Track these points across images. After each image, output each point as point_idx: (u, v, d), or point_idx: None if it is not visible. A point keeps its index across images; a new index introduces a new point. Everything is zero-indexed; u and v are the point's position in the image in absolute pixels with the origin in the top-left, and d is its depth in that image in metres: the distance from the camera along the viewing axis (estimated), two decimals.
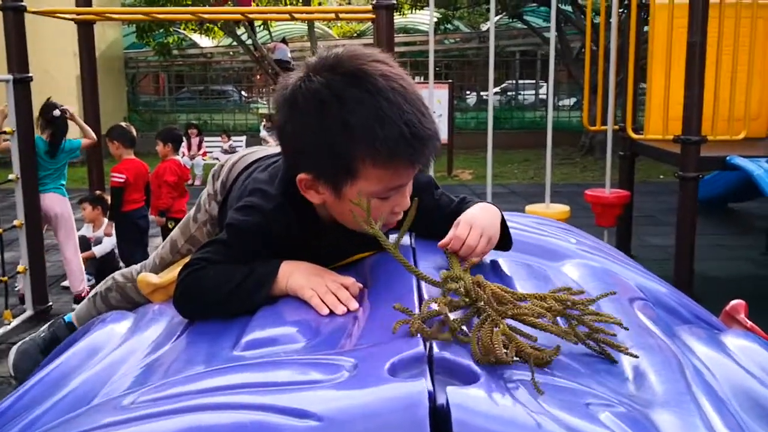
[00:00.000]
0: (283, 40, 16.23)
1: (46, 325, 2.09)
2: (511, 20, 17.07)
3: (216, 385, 0.89)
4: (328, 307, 1.23)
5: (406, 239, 1.74)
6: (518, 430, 0.75)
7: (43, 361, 1.67)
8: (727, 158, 5.12)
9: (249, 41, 15.59)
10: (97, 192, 6.48)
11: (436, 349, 0.90)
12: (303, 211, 1.40)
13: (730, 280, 6.22)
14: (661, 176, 12.43)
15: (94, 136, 6.10)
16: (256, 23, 16.04)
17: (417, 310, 1.16)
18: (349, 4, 18.61)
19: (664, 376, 1.00)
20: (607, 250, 1.91)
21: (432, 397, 0.80)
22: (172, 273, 1.72)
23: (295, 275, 1.31)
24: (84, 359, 1.33)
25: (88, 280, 6.32)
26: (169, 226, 6.40)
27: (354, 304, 1.24)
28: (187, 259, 1.78)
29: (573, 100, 19.00)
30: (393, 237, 1.30)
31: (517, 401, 0.79)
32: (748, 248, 7.33)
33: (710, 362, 1.19)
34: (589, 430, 0.76)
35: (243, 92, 22.15)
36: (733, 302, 1.74)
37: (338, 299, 1.25)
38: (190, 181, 10.32)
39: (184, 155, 12.98)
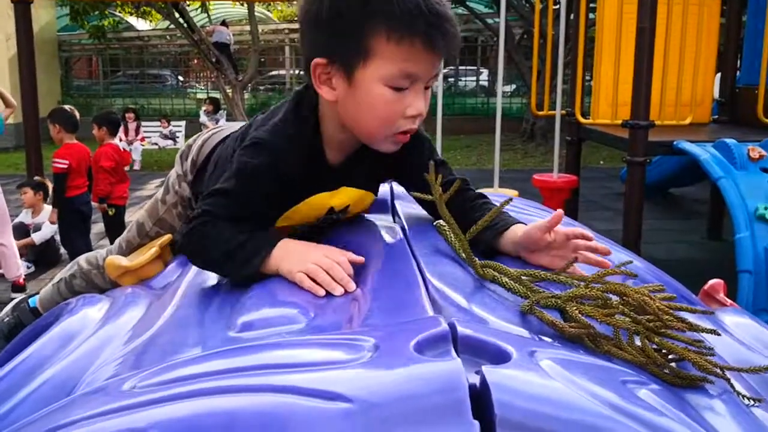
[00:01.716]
0: (223, 23, 15.92)
1: (8, 308, 1.99)
2: (453, 5, 17.09)
3: (229, 366, 0.83)
4: (323, 287, 1.18)
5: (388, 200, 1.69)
6: (563, 410, 0.71)
7: (6, 348, 1.58)
8: (675, 143, 5.19)
9: (186, 24, 15.28)
10: (38, 178, 6.27)
11: (459, 327, 0.85)
12: (312, 142, 1.38)
13: (675, 263, 6.33)
14: (602, 162, 12.62)
15: (14, 102, 5.87)
16: (194, 5, 15.74)
17: (421, 287, 1.12)
18: None
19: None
20: (584, 229, 1.89)
21: None
22: (142, 256, 1.65)
23: (286, 260, 1.25)
24: (58, 347, 1.24)
25: (27, 268, 6.12)
26: (110, 213, 6.23)
27: (351, 285, 1.18)
28: (158, 241, 1.72)
29: (513, 86, 19.13)
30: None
31: (555, 380, 0.75)
32: (689, 232, 7.48)
33: (712, 340, 1.18)
34: (637, 410, 0.73)
35: (180, 77, 21.72)
36: (712, 281, 1.75)
37: (333, 279, 1.19)
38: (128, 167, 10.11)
39: (121, 140, 12.65)
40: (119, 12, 18.01)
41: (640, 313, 0.99)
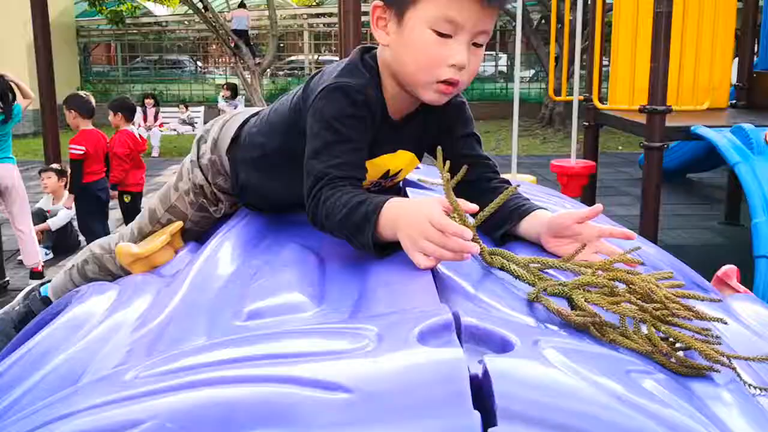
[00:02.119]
0: (242, 4, 15.86)
1: (20, 297, 2.00)
2: None
3: (231, 357, 0.83)
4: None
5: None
6: (565, 400, 0.70)
7: (16, 337, 1.59)
8: (692, 128, 5.13)
9: (205, 9, 15.29)
10: (57, 165, 6.30)
11: (462, 316, 0.85)
12: (377, 88, 1.41)
13: (691, 249, 6.29)
14: (620, 147, 12.54)
15: (32, 94, 5.90)
16: None
17: (429, 274, 1.12)
18: None
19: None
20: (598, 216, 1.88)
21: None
22: (153, 243, 1.66)
23: (398, 230, 1.19)
24: (66, 335, 1.25)
25: (45, 254, 6.17)
26: (125, 199, 6.26)
27: (473, 249, 1.11)
28: (169, 228, 1.72)
29: (531, 71, 19.02)
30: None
31: (558, 370, 0.75)
32: (706, 218, 7.43)
33: (723, 328, 1.17)
34: (640, 400, 0.72)
35: (198, 62, 21.76)
36: (725, 268, 1.73)
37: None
38: (146, 153, 10.15)
39: (140, 126, 12.73)
40: None
41: (647, 301, 0.99)
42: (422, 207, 1.17)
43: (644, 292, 0.99)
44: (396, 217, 1.20)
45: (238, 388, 0.76)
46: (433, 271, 1.13)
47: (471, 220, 1.23)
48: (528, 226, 1.39)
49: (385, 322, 0.87)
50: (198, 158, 1.72)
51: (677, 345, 0.95)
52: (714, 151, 5.06)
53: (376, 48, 1.45)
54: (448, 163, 1.25)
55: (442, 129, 1.52)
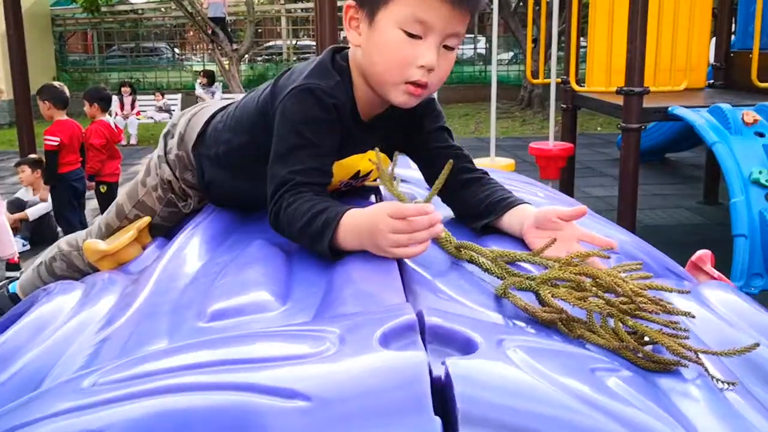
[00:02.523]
0: None
1: None
2: None
3: (188, 363, 0.81)
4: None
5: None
6: (526, 402, 0.69)
7: None
8: (669, 109, 5.15)
9: None
10: (34, 155, 6.23)
11: (426, 316, 0.83)
12: (348, 89, 1.40)
13: (670, 228, 6.32)
14: (599, 128, 12.57)
15: (1, 88, 5.83)
16: None
17: (396, 271, 1.10)
18: None
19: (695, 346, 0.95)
20: (569, 201, 1.88)
21: (428, 369, 0.74)
22: (120, 240, 1.63)
23: (356, 233, 1.20)
24: (30, 335, 1.23)
25: (23, 246, 6.11)
26: (101, 190, 6.21)
27: (437, 229, 1.14)
28: (137, 224, 1.70)
29: (510, 54, 19.00)
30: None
31: (521, 370, 0.73)
32: (685, 197, 7.47)
33: (693, 318, 1.16)
34: (603, 399, 0.71)
35: (176, 49, 21.57)
36: (699, 252, 1.72)
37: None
38: (123, 142, 10.06)
39: (117, 115, 12.62)
40: None
41: (614, 294, 0.97)
42: (376, 210, 1.18)
43: (610, 287, 0.97)
44: (358, 226, 1.20)
45: (195, 396, 0.74)
46: (400, 267, 1.12)
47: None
48: (511, 219, 1.38)
49: (347, 324, 0.85)
50: (165, 153, 1.70)
51: (645, 339, 0.93)
52: (692, 130, 5.08)
53: (348, 48, 1.44)
54: (389, 160, 1.25)
55: (413, 126, 1.51)
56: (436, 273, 1.13)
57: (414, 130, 1.51)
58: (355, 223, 1.20)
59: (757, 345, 0.93)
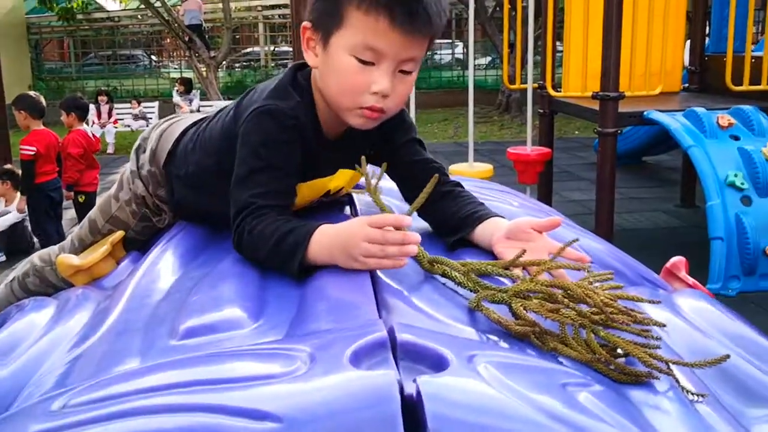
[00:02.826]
0: None
1: None
2: None
3: (158, 384, 0.80)
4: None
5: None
6: (496, 420, 0.69)
7: None
8: (645, 113, 5.19)
9: (158, 3, 15.06)
10: (6, 166, 6.17)
11: (398, 332, 0.83)
12: (310, 108, 1.40)
13: (648, 232, 6.36)
14: (576, 132, 12.64)
15: None
16: None
17: (369, 286, 1.10)
18: None
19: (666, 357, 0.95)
20: (547, 212, 1.88)
21: (400, 387, 0.73)
22: (93, 254, 1.62)
23: (327, 249, 1.20)
24: (2, 354, 1.21)
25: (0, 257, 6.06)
26: (79, 199, 6.16)
27: (410, 250, 1.14)
28: (110, 238, 1.68)
29: (488, 58, 19.08)
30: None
31: (492, 387, 0.73)
32: (662, 200, 7.52)
33: (668, 326, 1.17)
34: (573, 415, 0.71)
35: (153, 56, 21.47)
36: (674, 259, 1.73)
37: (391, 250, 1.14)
38: (101, 151, 9.98)
39: (94, 123, 12.53)
40: None
41: (586, 306, 0.98)
42: (354, 222, 1.18)
43: (581, 298, 0.98)
44: (330, 240, 1.20)
45: (166, 418, 0.73)
46: (374, 281, 1.11)
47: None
48: (482, 231, 1.37)
49: (319, 342, 0.85)
50: (138, 169, 1.68)
51: (617, 350, 0.94)
52: (668, 134, 5.12)
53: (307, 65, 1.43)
54: (370, 168, 1.25)
55: (384, 140, 1.49)
56: (409, 287, 1.13)
57: (385, 144, 1.50)
58: (327, 238, 1.20)
59: (728, 356, 0.93)
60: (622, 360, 0.93)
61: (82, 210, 6.14)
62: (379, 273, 1.16)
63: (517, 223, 1.32)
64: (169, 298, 1.22)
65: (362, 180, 1.76)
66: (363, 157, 1.30)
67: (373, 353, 0.80)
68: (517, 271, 1.15)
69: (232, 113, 1.45)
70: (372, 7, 1.23)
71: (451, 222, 1.41)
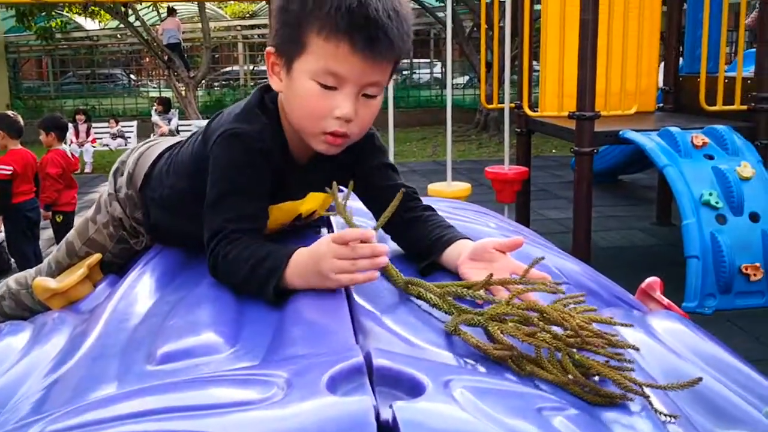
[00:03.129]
0: (171, 11, 15.46)
1: None
2: None
3: (135, 411, 0.80)
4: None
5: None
6: None
7: None
8: (620, 132, 5.25)
9: (137, 23, 15.05)
10: None
11: (374, 358, 0.84)
12: (277, 131, 1.40)
13: (625, 250, 6.41)
14: (554, 150, 12.73)
15: None
16: (146, 4, 15.49)
17: (346, 310, 1.11)
18: None
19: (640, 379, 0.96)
20: (522, 232, 1.90)
21: (376, 412, 0.74)
22: (70, 277, 1.61)
23: (302, 273, 1.22)
24: None
25: None
26: (57, 219, 6.11)
27: (381, 261, 1.18)
28: (87, 261, 1.68)
29: (466, 78, 19.22)
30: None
31: (468, 412, 0.74)
32: (639, 218, 7.58)
33: (642, 348, 1.18)
34: None
35: (132, 76, 21.43)
36: (649, 280, 1.75)
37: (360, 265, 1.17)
38: (79, 170, 9.92)
39: (72, 143, 12.47)
40: (66, 12, 17.65)
41: (561, 328, 0.99)
42: (321, 241, 1.21)
43: (557, 321, 0.99)
44: (304, 264, 1.21)
45: None
46: (350, 304, 1.12)
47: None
48: (449, 254, 1.38)
49: (295, 367, 0.86)
50: (115, 191, 1.68)
51: (592, 372, 0.95)
52: (643, 153, 5.18)
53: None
54: (338, 188, 1.29)
55: (355, 164, 1.50)
56: (385, 310, 1.14)
57: (357, 167, 1.50)
58: (301, 262, 1.22)
59: (700, 379, 0.95)
60: (596, 381, 0.94)
61: (59, 230, 6.09)
62: (354, 296, 1.17)
63: (480, 244, 1.33)
64: (146, 322, 1.21)
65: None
66: (334, 182, 1.31)
67: (349, 379, 0.81)
68: (481, 293, 1.17)
69: (202, 136, 1.46)
70: (332, 33, 1.23)
71: (421, 246, 1.42)
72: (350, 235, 1.17)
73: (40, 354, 1.26)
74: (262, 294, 1.23)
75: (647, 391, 0.93)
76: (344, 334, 1.01)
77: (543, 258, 1.21)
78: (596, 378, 0.96)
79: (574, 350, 0.97)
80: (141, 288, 1.39)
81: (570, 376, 0.93)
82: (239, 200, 1.34)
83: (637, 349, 1.02)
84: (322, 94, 1.28)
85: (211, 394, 0.82)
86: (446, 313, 1.12)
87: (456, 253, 1.36)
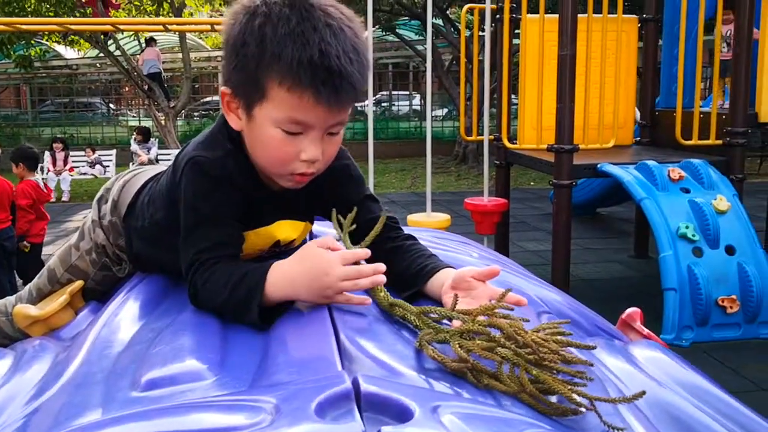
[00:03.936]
0: (150, 40, 15.46)
1: None
2: (384, 33, 17.29)
3: None
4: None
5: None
6: None
7: None
8: (599, 166, 5.32)
9: (117, 52, 15.05)
10: None
11: (362, 384, 0.84)
12: (243, 157, 1.38)
13: (603, 282, 6.45)
14: (532, 183, 12.84)
15: None
16: (126, 33, 15.52)
17: (331, 335, 1.11)
18: (221, 15, 18.28)
19: (590, 394, 0.98)
20: (505, 262, 1.91)
21: None
22: (52, 305, 1.61)
23: (288, 284, 1.23)
24: None
25: None
26: (25, 249, 6.05)
27: (379, 279, 1.22)
28: (69, 288, 1.67)
29: (445, 110, 19.39)
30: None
31: None
32: (617, 251, 7.64)
33: (623, 376, 1.20)
34: None
35: (111, 104, 21.40)
36: (629, 310, 1.77)
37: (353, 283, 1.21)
38: (53, 200, 9.88)
39: (49, 171, 12.41)
40: (46, 41, 17.63)
41: (521, 346, 1.03)
42: (322, 259, 1.22)
43: (512, 337, 1.03)
44: (291, 277, 1.23)
45: None
46: (335, 329, 1.13)
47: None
48: (433, 284, 1.39)
49: (283, 393, 0.86)
50: (99, 218, 1.68)
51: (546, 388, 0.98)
52: (621, 186, 5.24)
53: None
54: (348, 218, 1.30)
55: (332, 195, 1.49)
56: (369, 334, 1.14)
57: (335, 198, 1.49)
58: (286, 274, 1.23)
59: (644, 393, 0.98)
60: (553, 398, 0.98)
61: (26, 261, 6.03)
62: (338, 319, 1.18)
63: (460, 274, 1.34)
64: (130, 349, 1.21)
65: (315, 230, 1.79)
66: (333, 210, 1.33)
67: (337, 405, 0.81)
68: (456, 323, 1.18)
69: (172, 166, 1.46)
70: (295, 86, 1.22)
71: (405, 276, 1.43)
72: (360, 254, 1.21)
73: (20, 381, 1.24)
74: (247, 314, 1.23)
75: (624, 411, 0.95)
76: (330, 359, 1.01)
77: (510, 290, 1.23)
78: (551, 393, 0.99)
79: (532, 366, 1.00)
80: (124, 315, 1.38)
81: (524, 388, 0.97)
82: (209, 229, 1.34)
83: (591, 365, 1.06)
84: (287, 140, 1.28)
85: (199, 420, 0.82)
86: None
87: (439, 283, 1.37)
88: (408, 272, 1.42)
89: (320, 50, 1.20)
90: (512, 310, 1.13)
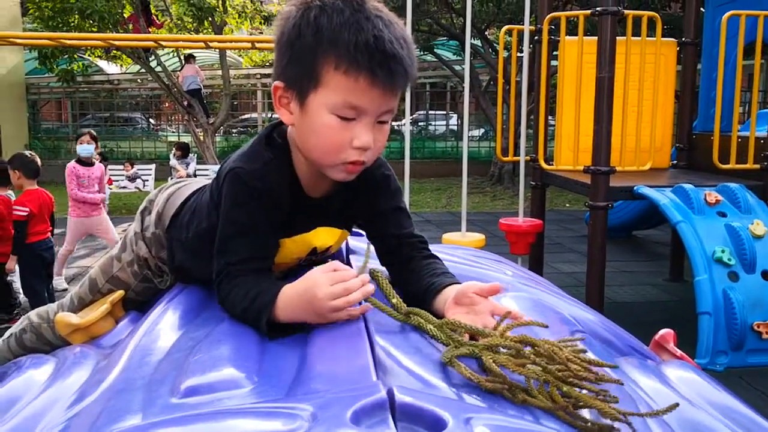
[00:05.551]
0: (189, 57, 15.66)
1: None
2: (422, 53, 17.39)
3: None
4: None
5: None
6: None
7: None
8: (635, 188, 5.28)
9: (158, 68, 15.29)
10: None
11: (397, 394, 0.86)
12: (285, 166, 1.43)
13: (637, 305, 6.38)
14: (567, 204, 12.76)
15: None
16: (167, 50, 15.75)
17: (366, 347, 1.13)
18: (261, 33, 18.50)
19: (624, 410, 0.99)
20: (540, 281, 1.92)
21: None
22: (92, 314, 1.64)
23: (297, 312, 1.28)
24: (0, 411, 1.23)
25: None
26: None
27: (368, 289, 1.26)
28: (110, 297, 1.70)
29: (481, 130, 19.38)
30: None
31: None
32: (652, 274, 7.56)
33: (655, 395, 1.20)
34: None
35: (151, 120, 21.71)
36: (662, 331, 1.77)
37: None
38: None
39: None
40: (88, 56, 17.97)
41: (550, 363, 1.04)
42: (311, 282, 1.26)
43: (548, 354, 1.03)
44: (292, 302, 1.28)
45: None
46: (370, 340, 1.15)
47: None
48: (439, 301, 1.41)
49: (319, 401, 0.88)
50: (142, 230, 1.71)
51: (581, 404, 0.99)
52: (657, 209, 5.20)
53: (282, 122, 1.46)
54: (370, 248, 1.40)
55: (369, 204, 1.53)
56: (405, 348, 1.16)
57: (369, 208, 1.53)
58: (290, 300, 1.28)
59: (677, 405, 0.99)
60: (586, 414, 0.99)
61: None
62: (373, 331, 1.20)
63: (462, 290, 1.35)
64: (170, 357, 1.24)
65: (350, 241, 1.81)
66: (370, 245, 1.41)
67: (372, 414, 0.83)
68: (477, 326, 1.20)
69: (216, 176, 1.50)
70: (351, 68, 1.26)
71: (417, 295, 1.45)
72: (348, 274, 1.25)
73: (62, 387, 1.28)
74: (258, 330, 1.30)
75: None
76: (366, 370, 1.03)
77: (510, 312, 1.24)
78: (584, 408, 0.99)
79: (561, 383, 1.01)
80: (164, 324, 1.41)
81: (557, 404, 0.97)
82: (242, 242, 1.39)
83: (621, 384, 1.06)
84: (341, 126, 1.31)
85: (237, 426, 0.84)
86: (443, 344, 1.18)
87: (444, 299, 1.39)
88: (419, 291, 1.44)
89: (374, 35, 1.25)
90: (547, 327, 1.15)
